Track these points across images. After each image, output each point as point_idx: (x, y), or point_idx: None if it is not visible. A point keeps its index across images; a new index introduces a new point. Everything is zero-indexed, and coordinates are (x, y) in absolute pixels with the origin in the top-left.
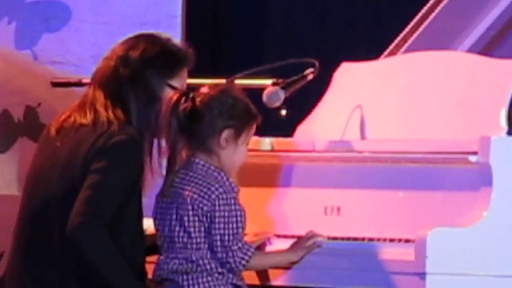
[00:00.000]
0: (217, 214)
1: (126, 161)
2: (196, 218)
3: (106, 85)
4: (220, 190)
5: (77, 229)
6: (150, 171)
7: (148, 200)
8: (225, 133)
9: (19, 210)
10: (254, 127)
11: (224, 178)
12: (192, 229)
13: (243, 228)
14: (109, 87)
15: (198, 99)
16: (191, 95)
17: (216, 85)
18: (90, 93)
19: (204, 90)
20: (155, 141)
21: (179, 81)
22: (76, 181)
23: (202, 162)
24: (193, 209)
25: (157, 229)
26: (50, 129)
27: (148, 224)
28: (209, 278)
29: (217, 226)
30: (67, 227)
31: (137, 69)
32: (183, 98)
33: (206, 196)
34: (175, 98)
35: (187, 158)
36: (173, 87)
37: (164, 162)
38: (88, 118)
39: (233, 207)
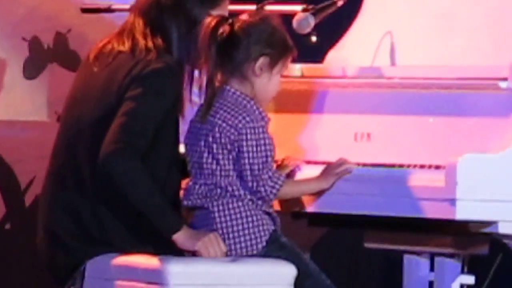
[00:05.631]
0: (244, 143)
1: (162, 89)
2: (224, 146)
3: (146, 13)
4: (247, 119)
5: (110, 157)
6: (188, 100)
7: (184, 127)
8: (261, 61)
9: (57, 134)
10: (289, 60)
11: (254, 107)
12: (220, 156)
13: (273, 157)
14: (149, 15)
15: (237, 25)
16: (230, 20)
17: (256, 13)
18: (130, 21)
19: (243, 17)
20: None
21: (221, 10)
22: (110, 107)
23: (233, 90)
24: (220, 137)
25: (187, 155)
26: (90, 55)
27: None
28: (240, 203)
29: (245, 155)
30: (99, 153)
31: None
32: (222, 23)
33: (234, 125)
34: (214, 22)
35: (220, 85)
36: None
37: (196, 89)
38: (126, 46)
39: (261, 135)
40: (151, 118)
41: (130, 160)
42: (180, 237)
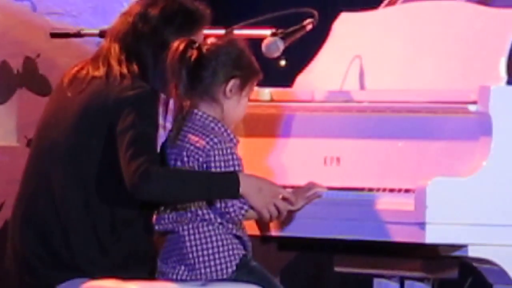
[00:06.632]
0: (212, 164)
1: (147, 112)
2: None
3: (123, 39)
4: (215, 140)
5: (141, 184)
6: (163, 127)
7: None
8: (232, 83)
9: (28, 158)
10: (255, 83)
11: (223, 129)
12: None
13: None
14: (126, 41)
15: (205, 47)
16: (196, 44)
17: (222, 36)
18: (105, 46)
19: (210, 40)
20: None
21: (196, 38)
22: (86, 133)
23: (200, 113)
24: (188, 161)
25: None
26: (63, 80)
27: None
28: (210, 227)
29: None
30: (128, 189)
31: (156, 26)
32: (190, 46)
33: (201, 147)
34: (182, 46)
35: (188, 109)
36: None
37: (170, 116)
38: (100, 71)
39: (229, 156)
40: (151, 135)
41: (156, 176)
42: (245, 189)
